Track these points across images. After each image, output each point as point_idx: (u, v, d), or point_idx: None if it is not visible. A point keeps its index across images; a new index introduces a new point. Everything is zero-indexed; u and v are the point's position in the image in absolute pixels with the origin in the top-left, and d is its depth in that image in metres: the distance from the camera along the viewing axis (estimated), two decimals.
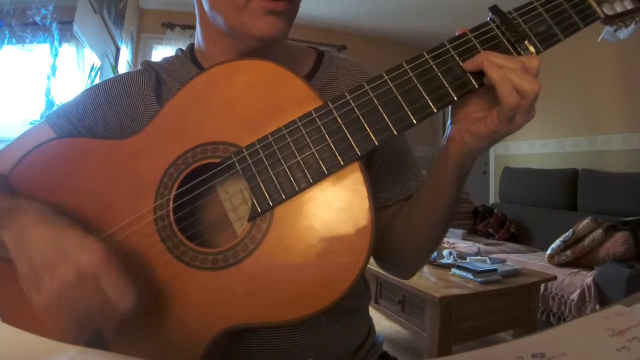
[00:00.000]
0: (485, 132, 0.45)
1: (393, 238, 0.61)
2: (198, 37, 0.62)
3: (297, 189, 0.44)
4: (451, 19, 3.64)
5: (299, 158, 0.44)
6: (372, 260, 0.47)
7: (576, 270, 2.34)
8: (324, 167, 0.44)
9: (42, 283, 0.40)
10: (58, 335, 0.43)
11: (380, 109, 0.44)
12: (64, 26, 2.11)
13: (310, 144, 0.44)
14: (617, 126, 3.10)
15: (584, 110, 3.33)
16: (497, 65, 0.42)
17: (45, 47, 2.04)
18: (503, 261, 2.20)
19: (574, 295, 2.20)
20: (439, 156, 0.51)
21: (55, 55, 2.09)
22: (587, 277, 2.22)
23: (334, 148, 0.44)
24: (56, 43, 2.08)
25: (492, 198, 3.94)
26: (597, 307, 2.12)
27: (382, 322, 2.27)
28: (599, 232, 2.39)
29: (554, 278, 2.14)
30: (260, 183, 0.45)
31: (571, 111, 3.37)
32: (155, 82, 0.60)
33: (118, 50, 3.15)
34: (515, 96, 0.41)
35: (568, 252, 2.44)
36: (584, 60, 3.15)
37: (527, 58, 0.43)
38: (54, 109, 0.61)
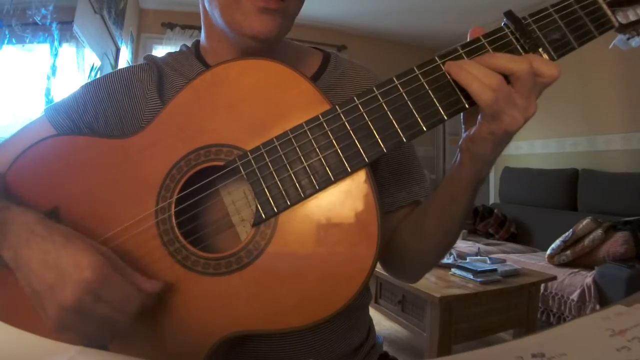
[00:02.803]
0: (480, 135, 0.44)
1: (402, 244, 0.60)
2: (203, 34, 0.62)
3: (302, 195, 0.43)
4: (451, 18, 3.64)
5: (305, 164, 0.43)
6: None
7: (576, 270, 2.34)
8: (330, 174, 0.43)
9: (45, 307, 0.40)
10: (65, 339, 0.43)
11: (390, 115, 0.43)
12: (64, 26, 2.10)
13: (317, 149, 0.43)
14: (617, 126, 3.09)
15: (584, 110, 3.33)
16: (458, 66, 0.42)
17: (45, 47, 2.04)
18: (503, 261, 2.20)
19: (574, 295, 2.20)
20: (452, 165, 0.50)
21: (55, 55, 2.09)
22: (587, 277, 2.22)
23: (341, 154, 0.43)
24: (56, 43, 2.07)
25: (492, 198, 3.94)
26: (597, 307, 2.11)
27: (382, 322, 2.27)
28: (599, 232, 2.39)
29: (554, 278, 2.14)
30: (265, 189, 0.44)
31: (571, 111, 3.37)
32: (157, 77, 0.59)
33: (118, 50, 3.15)
34: (488, 93, 0.40)
35: (568, 252, 2.44)
36: (584, 60, 3.14)
37: (487, 56, 0.43)
38: (53, 103, 0.60)
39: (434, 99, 0.43)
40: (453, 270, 2.02)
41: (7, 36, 1.78)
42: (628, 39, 0.49)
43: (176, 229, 0.46)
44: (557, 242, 2.50)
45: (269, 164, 0.44)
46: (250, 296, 0.43)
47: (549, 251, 2.53)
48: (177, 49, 0.68)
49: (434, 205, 0.55)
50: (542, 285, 2.21)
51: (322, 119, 0.44)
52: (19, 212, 0.45)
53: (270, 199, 0.44)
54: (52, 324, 0.40)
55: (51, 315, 0.40)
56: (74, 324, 0.40)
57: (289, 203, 0.43)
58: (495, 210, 3.39)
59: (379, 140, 0.43)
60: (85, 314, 0.40)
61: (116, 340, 0.43)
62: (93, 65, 2.57)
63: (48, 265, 0.41)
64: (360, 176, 0.43)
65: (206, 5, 0.56)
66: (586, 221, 2.48)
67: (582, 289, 2.19)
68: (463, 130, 0.48)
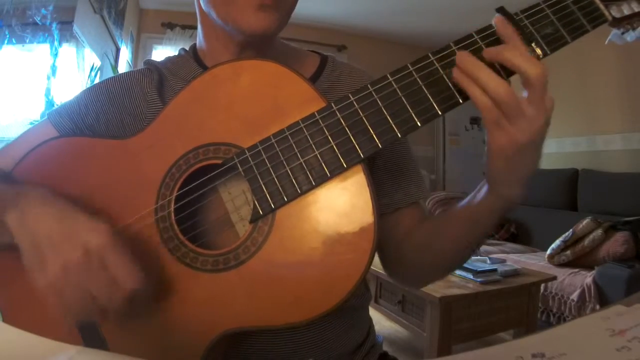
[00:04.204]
0: (491, 151, 0.43)
1: (410, 256, 0.59)
2: (200, 35, 0.62)
3: (299, 191, 0.44)
4: (451, 18, 3.63)
5: (301, 160, 0.44)
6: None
7: (576, 270, 2.34)
8: (326, 170, 0.43)
9: (46, 262, 0.40)
10: (58, 332, 0.43)
11: (384, 111, 0.44)
12: (64, 26, 2.10)
13: (313, 146, 0.44)
14: (617, 126, 3.09)
15: (584, 110, 3.33)
16: (462, 66, 0.41)
17: (45, 47, 2.04)
18: (503, 261, 2.20)
19: (574, 295, 2.20)
20: (481, 186, 0.48)
21: (55, 55, 2.09)
22: (587, 277, 2.22)
23: (337, 150, 0.44)
24: (56, 43, 2.07)
25: None
26: (597, 307, 2.11)
27: (382, 322, 2.27)
28: (599, 232, 2.39)
29: (554, 278, 2.14)
30: (262, 185, 0.45)
31: (571, 111, 3.37)
32: (158, 80, 0.60)
33: (118, 50, 3.15)
34: (484, 98, 0.40)
35: (568, 252, 2.44)
36: (584, 60, 3.15)
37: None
38: (57, 106, 0.61)
39: (428, 95, 0.44)
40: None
41: (7, 36, 1.78)
42: (623, 33, 0.49)
43: (175, 226, 0.47)
44: (557, 242, 2.50)
45: (266, 160, 0.45)
46: (247, 292, 0.44)
47: (549, 251, 2.53)
48: (177, 50, 0.68)
49: (453, 219, 0.53)
50: (542, 285, 2.21)
51: (317, 116, 0.45)
52: (30, 185, 0.47)
53: (267, 195, 0.44)
54: (49, 278, 0.39)
55: (51, 273, 0.39)
56: (70, 287, 0.39)
57: (285, 199, 0.44)
58: None
59: (374, 135, 0.44)
60: (85, 278, 0.39)
61: (115, 318, 0.42)
62: (93, 66, 2.57)
63: (58, 221, 0.41)
64: (356, 171, 0.44)
65: (202, 4, 0.56)
66: (586, 221, 2.48)
67: (582, 289, 2.19)
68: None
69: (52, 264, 0.40)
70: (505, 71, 0.42)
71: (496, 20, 0.43)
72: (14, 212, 0.44)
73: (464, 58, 0.42)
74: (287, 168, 0.44)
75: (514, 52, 0.40)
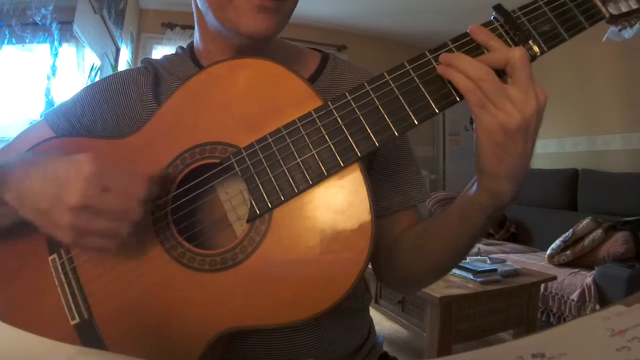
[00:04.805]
0: (479, 139, 0.43)
1: (399, 259, 0.58)
2: (196, 35, 0.62)
3: (296, 190, 0.44)
4: (451, 18, 3.63)
5: (298, 159, 0.44)
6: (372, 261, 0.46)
7: (576, 270, 2.34)
8: (323, 169, 0.43)
9: (59, 222, 0.41)
10: (57, 332, 0.43)
11: (381, 109, 0.44)
12: (64, 26, 2.10)
13: (310, 145, 0.44)
14: (617, 126, 3.09)
15: (584, 110, 3.33)
16: (445, 61, 0.43)
17: (45, 47, 2.04)
18: (503, 261, 2.20)
19: (574, 295, 2.19)
20: (470, 185, 0.48)
21: (55, 55, 2.09)
22: (587, 277, 2.22)
23: (334, 149, 0.44)
24: (56, 43, 2.07)
25: None
26: (597, 307, 2.11)
27: (382, 322, 2.27)
28: (599, 232, 2.39)
29: (554, 278, 2.14)
30: (259, 184, 0.44)
31: (571, 111, 3.37)
32: (154, 80, 0.59)
33: (118, 50, 3.15)
34: (468, 82, 0.41)
35: (568, 252, 2.44)
36: (584, 60, 3.15)
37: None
38: (53, 107, 0.62)
39: (425, 93, 0.44)
40: (453, 270, 2.02)
41: (7, 36, 1.78)
42: (620, 30, 0.49)
43: (172, 226, 0.47)
44: (557, 242, 2.50)
45: (263, 160, 0.45)
46: (245, 292, 0.44)
47: (549, 251, 2.52)
48: (177, 48, 0.68)
49: (444, 220, 0.52)
50: (542, 285, 2.21)
51: (314, 115, 0.44)
52: (16, 159, 0.48)
53: (264, 194, 0.44)
54: (67, 233, 0.41)
55: (65, 224, 0.40)
56: (88, 224, 0.41)
57: (282, 198, 0.44)
58: None
59: (371, 134, 0.44)
60: (95, 208, 0.40)
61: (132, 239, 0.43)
62: (93, 65, 2.57)
63: (48, 180, 0.42)
64: (353, 170, 0.44)
65: (199, 5, 0.56)
66: (586, 221, 2.48)
67: (582, 289, 2.19)
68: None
69: (61, 217, 0.41)
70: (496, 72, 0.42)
71: (471, 30, 0.45)
72: (9, 193, 0.44)
73: (444, 55, 0.44)
74: (284, 167, 0.44)
75: (493, 50, 0.43)
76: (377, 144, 0.43)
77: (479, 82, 0.41)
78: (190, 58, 0.62)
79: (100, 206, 0.41)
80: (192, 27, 0.62)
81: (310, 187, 0.44)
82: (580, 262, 2.41)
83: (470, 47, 0.45)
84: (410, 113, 0.43)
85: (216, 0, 0.52)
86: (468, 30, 0.45)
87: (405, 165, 0.63)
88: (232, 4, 0.51)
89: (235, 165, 0.45)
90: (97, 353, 0.44)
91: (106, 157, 0.50)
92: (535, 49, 0.44)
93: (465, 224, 0.48)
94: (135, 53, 3.65)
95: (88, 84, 0.64)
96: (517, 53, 0.41)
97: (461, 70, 0.42)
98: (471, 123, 0.45)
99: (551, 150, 3.55)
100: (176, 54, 0.65)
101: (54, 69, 2.09)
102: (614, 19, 0.47)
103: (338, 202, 0.43)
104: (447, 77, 0.43)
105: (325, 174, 0.43)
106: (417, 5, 3.63)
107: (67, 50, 2.23)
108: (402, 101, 0.44)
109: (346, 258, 0.42)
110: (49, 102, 2.03)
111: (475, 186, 0.47)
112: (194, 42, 0.64)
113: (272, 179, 0.44)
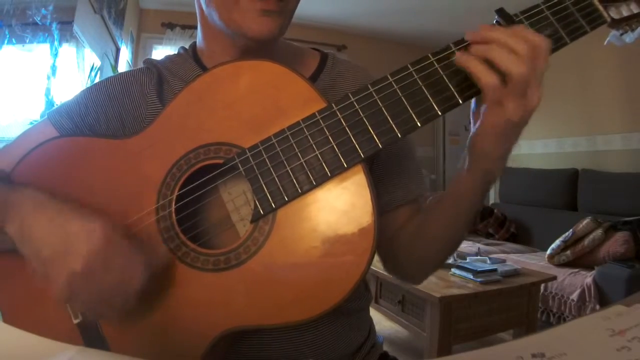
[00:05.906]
0: (483, 127, 0.44)
1: (404, 247, 0.60)
2: (199, 36, 0.62)
3: (299, 191, 0.44)
4: (451, 19, 3.63)
5: (302, 160, 0.44)
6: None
7: (576, 270, 2.34)
8: (327, 170, 0.44)
9: (52, 275, 0.40)
10: (58, 332, 0.43)
11: (384, 111, 0.44)
12: (64, 26, 2.10)
13: (314, 146, 0.44)
14: (617, 126, 3.10)
15: (584, 110, 3.33)
16: (475, 43, 0.43)
17: (45, 47, 2.04)
18: (503, 261, 2.20)
19: (574, 295, 2.20)
20: (460, 165, 0.50)
21: (55, 55, 2.09)
22: (587, 277, 2.22)
23: (337, 150, 0.44)
24: (56, 43, 2.07)
25: (492, 198, 3.94)
26: (597, 307, 2.12)
27: (382, 322, 2.27)
28: (599, 232, 2.39)
29: (554, 278, 2.14)
30: (263, 185, 0.45)
31: (571, 111, 3.37)
32: (157, 80, 0.59)
33: (118, 50, 3.15)
34: (491, 77, 0.41)
35: (568, 252, 2.44)
36: (584, 60, 3.15)
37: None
38: (57, 106, 0.61)
39: (428, 95, 0.44)
40: (453, 270, 2.02)
41: (7, 36, 1.78)
42: (621, 34, 0.49)
43: (176, 226, 0.47)
44: (557, 242, 2.51)
45: (267, 160, 0.45)
46: (248, 292, 0.44)
47: (549, 251, 2.53)
48: (176, 51, 0.68)
49: (439, 204, 0.54)
50: (542, 285, 2.21)
51: (318, 116, 0.45)
52: (24, 189, 0.47)
53: (268, 194, 0.44)
54: (60, 292, 0.40)
55: (60, 282, 0.40)
56: (82, 291, 0.40)
57: (286, 199, 0.44)
58: (495, 210, 3.39)
59: (374, 135, 0.44)
60: (93, 280, 0.40)
61: (120, 317, 0.43)
62: (93, 66, 2.57)
63: (56, 231, 0.41)
64: (357, 172, 0.44)
65: (203, 6, 0.56)
66: (586, 221, 2.48)
67: (582, 289, 2.19)
68: (472, 124, 0.48)
69: (59, 274, 0.40)
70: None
71: (466, 36, 0.44)
72: (12, 225, 0.44)
73: (479, 33, 0.43)
74: (288, 168, 0.44)
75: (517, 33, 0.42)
76: (380, 145, 0.44)
77: (515, 79, 0.40)
78: (192, 59, 0.62)
79: (97, 285, 0.40)
80: (193, 27, 0.62)
81: (313, 187, 0.44)
82: (580, 262, 2.41)
83: None
84: (414, 115, 0.44)
85: (222, 1, 0.52)
86: (467, 38, 0.45)
87: (405, 161, 0.64)
88: (238, 5, 0.51)
89: (240, 166, 0.46)
90: (98, 353, 0.44)
91: (113, 167, 0.50)
92: None
93: (460, 204, 0.51)
94: (135, 53, 3.65)
95: (91, 84, 0.63)
96: (541, 43, 0.41)
97: (498, 60, 0.41)
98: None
99: (551, 150, 3.55)
100: (178, 54, 0.65)
101: (54, 69, 2.09)
102: (616, 23, 0.47)
103: (341, 203, 0.43)
104: (468, 67, 0.42)
105: (329, 174, 0.44)
106: (417, 5, 3.63)
107: (67, 50, 2.23)
108: (405, 103, 0.44)
109: (348, 260, 0.42)
110: (49, 102, 2.03)
111: (466, 169, 0.48)
112: (197, 42, 0.64)
113: (276, 179, 0.44)
